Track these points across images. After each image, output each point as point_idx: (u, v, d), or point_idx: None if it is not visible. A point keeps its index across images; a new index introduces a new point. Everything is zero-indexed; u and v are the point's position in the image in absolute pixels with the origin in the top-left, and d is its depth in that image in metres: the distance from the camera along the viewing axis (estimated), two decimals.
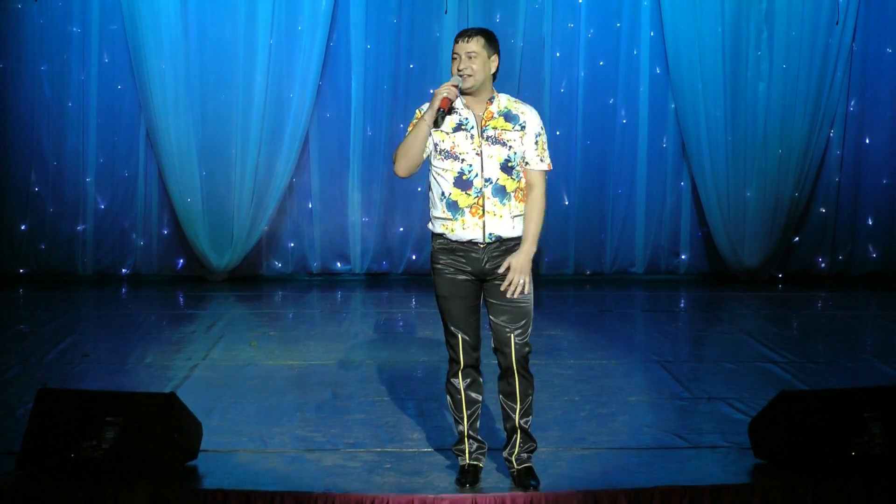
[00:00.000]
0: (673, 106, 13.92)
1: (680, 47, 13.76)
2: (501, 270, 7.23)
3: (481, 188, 7.26)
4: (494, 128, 7.35)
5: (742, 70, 13.74)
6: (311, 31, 13.60)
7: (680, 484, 7.77)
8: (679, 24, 13.70)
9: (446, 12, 13.66)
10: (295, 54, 13.65)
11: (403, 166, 7.42)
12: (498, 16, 13.68)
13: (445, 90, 7.14)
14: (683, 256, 14.20)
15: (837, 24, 13.62)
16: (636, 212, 14.10)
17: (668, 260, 14.21)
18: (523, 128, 7.31)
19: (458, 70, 7.22)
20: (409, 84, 13.72)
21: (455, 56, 7.24)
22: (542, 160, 7.41)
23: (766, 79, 13.73)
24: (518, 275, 7.20)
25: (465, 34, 7.26)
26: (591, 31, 13.88)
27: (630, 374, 10.52)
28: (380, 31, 13.79)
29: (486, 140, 7.31)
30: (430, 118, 7.20)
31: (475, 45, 7.28)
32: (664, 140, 14.01)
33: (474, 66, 7.25)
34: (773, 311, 12.91)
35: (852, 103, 13.93)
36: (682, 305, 13.41)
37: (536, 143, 7.35)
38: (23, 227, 13.87)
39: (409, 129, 7.32)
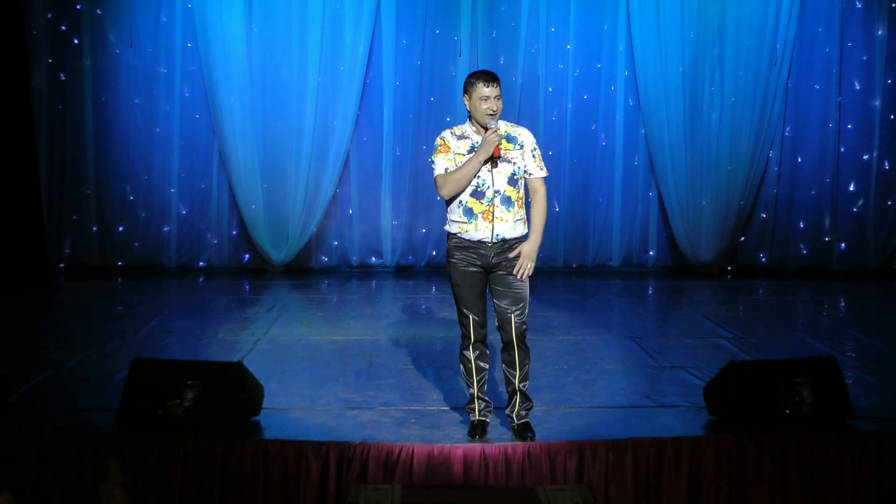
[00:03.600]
0: (643, 131, 13.89)
1: (649, 84, 13.74)
2: (512, 255, 7.33)
3: (492, 198, 7.34)
4: (503, 148, 7.40)
5: (699, 103, 13.72)
6: (351, 71, 13.60)
7: (648, 436, 7.77)
8: (648, 66, 13.69)
9: (460, 55, 13.65)
10: (338, 90, 13.64)
11: (450, 192, 7.50)
12: (502, 58, 13.67)
13: (496, 139, 7.25)
14: (651, 253, 14.18)
15: (776, 65, 13.59)
16: (613, 217, 14.08)
17: (639, 255, 14.19)
18: (522, 146, 7.40)
19: (492, 110, 7.27)
20: (430, 113, 13.72)
21: (486, 97, 7.25)
22: (541, 169, 7.52)
23: (719, 110, 13.71)
24: (526, 260, 7.32)
25: (492, 79, 7.33)
26: (577, 70, 13.87)
27: (608, 347, 10.51)
28: (406, 70, 13.78)
29: (496, 159, 7.36)
30: (483, 159, 7.30)
31: (499, 89, 7.35)
32: (636, 159, 13.99)
33: (500, 106, 7.36)
34: (723, 297, 12.91)
35: (787, 129, 13.92)
36: (650, 292, 13.39)
37: (534, 156, 7.47)
38: (120, 229, 13.89)
39: (442, 165, 7.45)
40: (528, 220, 7.49)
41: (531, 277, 7.48)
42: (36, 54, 13.38)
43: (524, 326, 7.52)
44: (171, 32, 13.73)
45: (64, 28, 13.60)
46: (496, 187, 7.30)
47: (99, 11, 13.63)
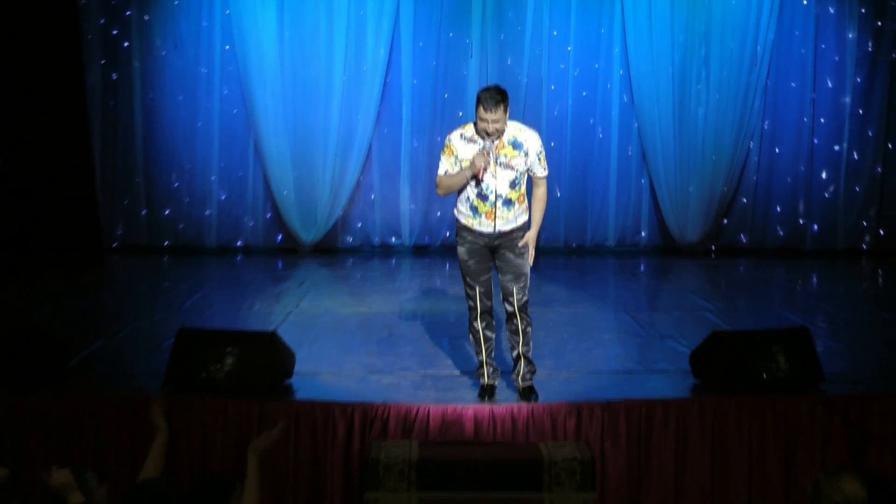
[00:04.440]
0: (636, 125, 13.85)
1: (642, 83, 13.71)
2: (521, 245, 7.48)
3: (494, 201, 7.43)
4: (505, 156, 7.46)
5: (686, 99, 13.69)
6: (373, 72, 13.58)
7: (639, 398, 7.81)
8: (641, 66, 13.66)
9: (471, 57, 13.63)
10: (361, 88, 13.62)
11: (443, 194, 7.73)
12: (509, 59, 13.65)
13: (482, 162, 7.29)
14: (643, 234, 14.15)
15: (756, 66, 13.56)
16: (609, 202, 14.04)
17: (632, 236, 14.17)
18: (527, 153, 7.38)
19: (486, 133, 7.27)
20: (444, 109, 13.69)
21: (484, 119, 7.24)
22: (543, 169, 7.57)
23: (704, 106, 13.67)
24: (530, 246, 7.43)
25: (487, 105, 7.25)
26: (577, 70, 13.83)
27: (604, 319, 10.54)
28: (423, 70, 13.76)
29: (499, 165, 7.46)
30: (469, 175, 7.39)
31: (499, 114, 7.32)
32: (629, 150, 13.95)
33: (499, 127, 7.33)
34: (707, 274, 12.91)
35: (766, 123, 13.87)
36: (642, 270, 13.39)
37: (538, 158, 7.51)
38: (166, 212, 13.91)
39: (446, 168, 7.58)
40: (530, 209, 7.57)
41: (535, 257, 7.56)
42: (90, 56, 13.38)
43: (525, 299, 7.57)
44: (211, 36, 13.72)
45: (115, 33, 13.61)
46: (498, 192, 7.39)
47: (146, 17, 13.63)
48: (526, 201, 7.53)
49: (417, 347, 9.21)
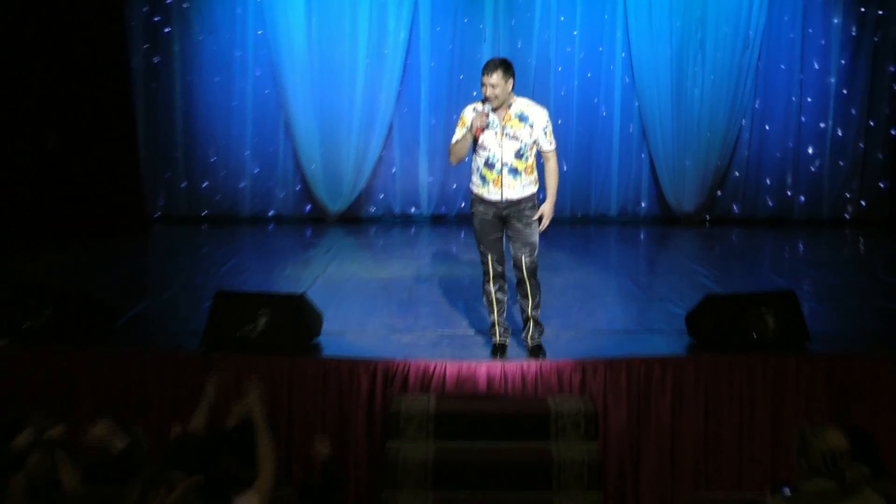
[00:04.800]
0: (637, 104, 13.79)
1: (642, 65, 13.65)
2: (536, 217, 7.55)
3: (500, 169, 7.42)
4: (511, 127, 7.48)
5: (684, 80, 13.62)
6: (394, 55, 13.55)
7: (639, 356, 7.82)
8: (642, 49, 13.60)
9: (484, 41, 13.58)
10: (383, 70, 13.59)
11: (454, 161, 7.75)
12: (519, 43, 13.59)
13: (479, 122, 7.39)
14: (643, 204, 14.10)
15: (748, 49, 13.50)
16: (611, 175, 13.99)
17: (633, 207, 14.12)
18: (532, 126, 7.42)
19: (484, 95, 7.36)
20: (460, 89, 13.61)
21: (483, 84, 7.35)
22: (549, 143, 7.58)
23: (700, 86, 13.60)
24: (546, 217, 7.49)
25: (487, 69, 7.44)
26: (582, 53, 13.76)
27: (606, 282, 10.57)
28: (440, 54, 13.72)
29: (505, 136, 7.49)
30: (470, 137, 7.46)
31: (494, 77, 7.42)
32: (631, 127, 13.89)
33: (496, 92, 7.35)
34: (702, 242, 12.89)
35: (757, 102, 13.79)
36: (642, 238, 13.37)
37: (545, 132, 7.53)
38: (204, 185, 13.91)
39: (457, 136, 7.60)
40: (543, 183, 7.61)
41: (549, 228, 7.60)
42: (134, 41, 13.36)
43: (534, 265, 7.62)
44: (244, 22, 13.69)
45: (157, 19, 13.59)
46: (504, 160, 7.43)
47: (186, 5, 13.61)
48: (534, 173, 7.55)
49: (435, 309, 9.24)
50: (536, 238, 7.63)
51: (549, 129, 7.51)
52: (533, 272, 7.64)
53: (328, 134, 13.72)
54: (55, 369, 7.67)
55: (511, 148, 7.42)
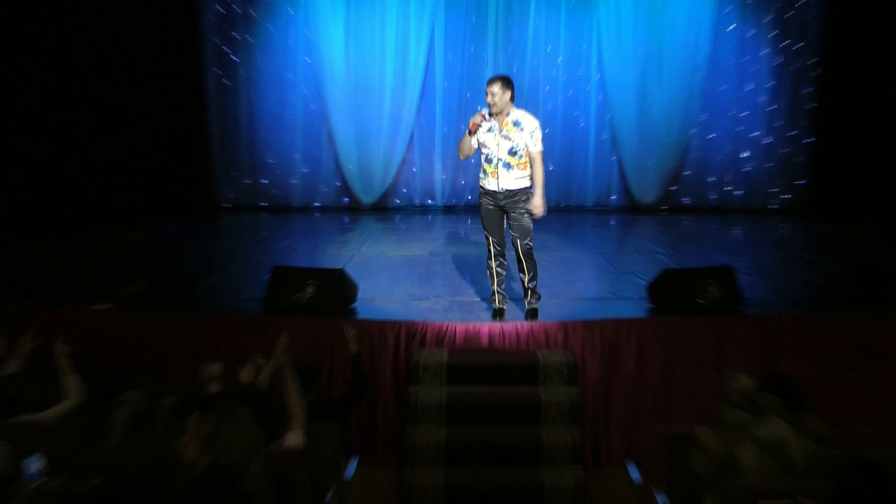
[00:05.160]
0: (608, 117, 13.73)
1: (613, 85, 13.58)
2: (529, 208, 7.55)
3: (496, 163, 7.45)
4: (507, 130, 7.52)
5: (646, 98, 13.55)
6: (414, 76, 13.51)
7: (610, 318, 7.79)
8: (613, 72, 13.54)
9: (487, 65, 13.52)
10: (405, 88, 13.55)
11: (462, 156, 7.77)
12: (515, 67, 13.51)
13: (477, 119, 7.46)
14: (614, 197, 14.06)
15: (697, 73, 13.44)
16: (588, 173, 13.94)
17: (605, 198, 14.08)
18: (522, 130, 7.42)
19: (487, 102, 7.45)
20: (468, 104, 13.57)
21: (486, 92, 7.41)
22: (535, 146, 7.59)
23: (659, 103, 13.53)
24: (537, 209, 7.51)
25: (490, 81, 7.59)
26: (565, 76, 13.71)
27: (584, 259, 10.53)
28: (451, 75, 13.67)
29: (502, 137, 7.46)
30: (469, 136, 7.55)
31: (495, 87, 7.55)
32: (604, 135, 13.83)
33: (494, 100, 7.42)
34: (660, 227, 12.83)
35: (704, 115, 13.72)
36: (612, 224, 13.32)
37: (532, 136, 7.54)
38: (264, 181, 13.92)
39: (465, 136, 7.58)
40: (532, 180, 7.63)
41: (543, 217, 7.59)
42: (208, 69, 13.34)
43: (527, 247, 7.61)
44: (295, 52, 13.65)
45: (227, 50, 13.57)
46: (499, 156, 7.49)
47: (250, 39, 13.59)
48: (528, 170, 7.56)
49: (447, 281, 9.23)
50: (530, 226, 7.62)
51: (538, 135, 7.51)
52: (527, 253, 7.63)
53: (362, 140, 13.70)
54: (146, 327, 7.69)
55: (505, 147, 7.46)
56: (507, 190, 7.54)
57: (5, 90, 11.53)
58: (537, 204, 7.58)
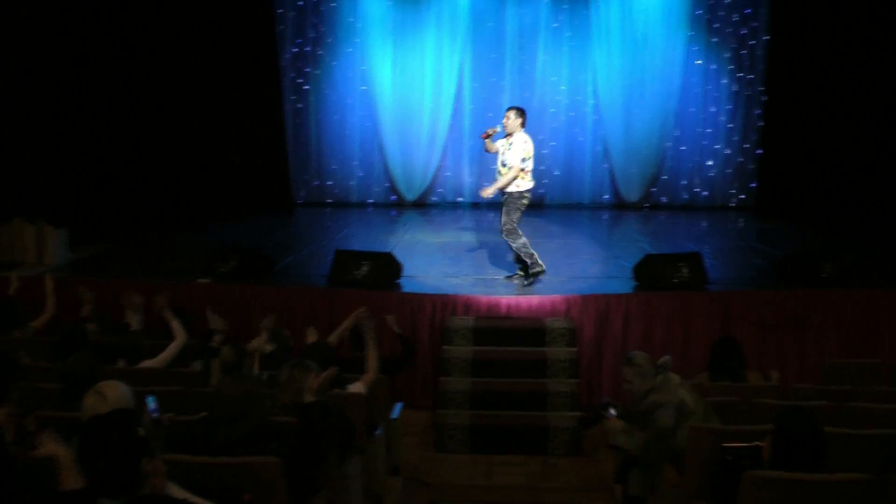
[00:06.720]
0: (602, 133, 13.58)
1: (605, 108, 13.41)
2: (495, 198, 7.87)
3: (498, 168, 7.42)
4: (505, 148, 7.53)
5: (632, 117, 13.39)
6: (447, 101, 13.42)
7: (602, 293, 7.73)
8: (606, 97, 13.38)
9: (504, 92, 13.38)
10: (440, 111, 13.46)
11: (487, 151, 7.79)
12: (525, 93, 13.36)
13: (489, 129, 7.71)
14: (606, 197, 13.88)
15: (671, 98, 13.28)
16: (584, 177, 13.75)
17: (598, 197, 13.91)
18: (511, 147, 7.55)
19: (503, 122, 7.69)
20: (487, 124, 13.08)
21: (505, 115, 7.68)
22: (511, 160, 7.70)
23: (641, 122, 13.36)
24: (484, 191, 7.77)
25: (509, 108, 7.70)
26: (567, 100, 13.55)
27: (581, 245, 10.48)
28: (476, 99, 13.54)
29: (504, 150, 7.47)
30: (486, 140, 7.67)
31: (511, 113, 7.80)
32: (598, 148, 13.66)
33: (507, 122, 7.41)
34: (643, 221, 12.73)
35: (677, 132, 13.56)
36: (604, 218, 13.20)
37: (511, 150, 7.69)
38: (329, 183, 13.85)
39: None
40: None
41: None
42: (286, 96, 13.37)
43: (506, 235, 7.78)
44: (353, 81, 13.56)
45: (300, 80, 13.55)
46: (496, 165, 7.74)
47: (318, 72, 13.55)
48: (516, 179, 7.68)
49: (474, 262, 9.20)
50: (506, 219, 7.76)
51: (518, 154, 7.59)
52: (507, 237, 7.79)
53: (406, 151, 13.64)
54: (238, 297, 7.74)
55: (499, 159, 7.70)
56: (503, 191, 7.72)
57: (150, 123, 11.55)
58: (488, 189, 7.75)
